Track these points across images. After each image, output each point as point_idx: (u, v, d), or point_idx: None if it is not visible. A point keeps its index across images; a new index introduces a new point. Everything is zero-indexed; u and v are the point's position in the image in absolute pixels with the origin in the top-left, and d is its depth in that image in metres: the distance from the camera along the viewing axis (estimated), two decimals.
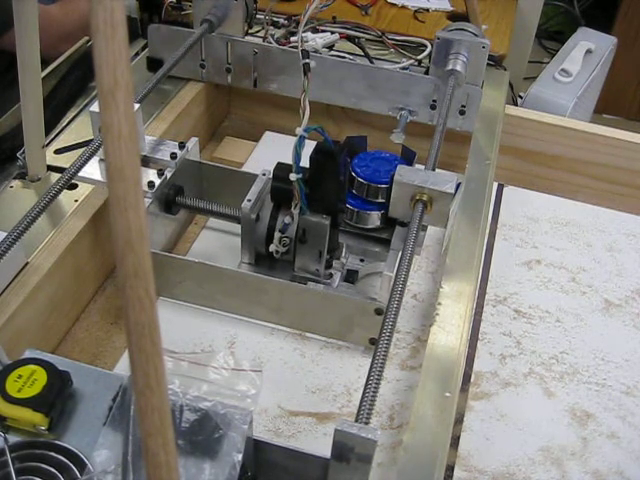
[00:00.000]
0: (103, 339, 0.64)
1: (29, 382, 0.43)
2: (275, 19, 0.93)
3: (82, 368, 0.46)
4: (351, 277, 0.69)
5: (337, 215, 0.64)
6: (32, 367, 0.43)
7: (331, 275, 0.68)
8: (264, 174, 0.67)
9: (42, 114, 0.66)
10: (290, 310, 0.65)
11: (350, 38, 0.95)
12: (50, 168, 0.71)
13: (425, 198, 0.61)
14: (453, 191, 0.61)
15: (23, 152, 0.69)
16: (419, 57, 0.93)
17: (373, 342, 0.63)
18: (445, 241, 0.68)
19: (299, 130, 0.57)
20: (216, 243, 0.75)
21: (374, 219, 0.67)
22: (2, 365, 0.45)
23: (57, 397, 0.43)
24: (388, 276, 0.60)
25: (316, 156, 0.60)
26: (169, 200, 0.69)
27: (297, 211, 0.62)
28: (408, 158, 0.68)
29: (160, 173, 0.67)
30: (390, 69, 0.86)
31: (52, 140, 0.76)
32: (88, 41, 0.91)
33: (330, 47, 0.92)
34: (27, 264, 0.59)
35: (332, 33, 0.93)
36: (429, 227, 0.65)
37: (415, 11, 1.09)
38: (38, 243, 0.61)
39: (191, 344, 0.63)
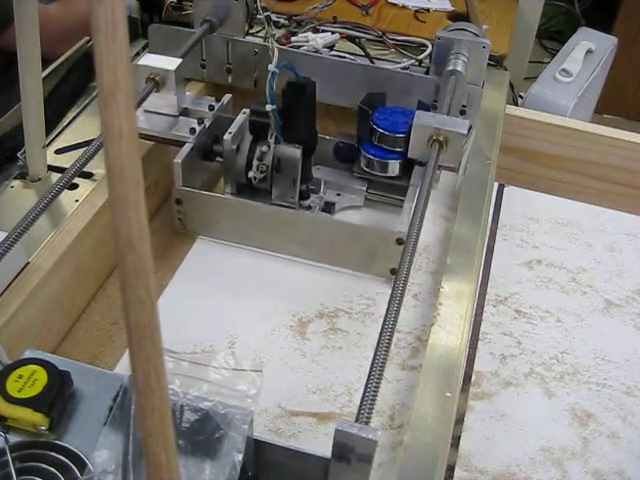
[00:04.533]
0: (103, 339, 0.64)
1: (29, 382, 0.43)
2: (275, 19, 0.93)
3: (82, 368, 0.46)
4: (329, 208, 0.76)
5: (308, 145, 0.70)
6: (32, 367, 0.43)
7: (310, 207, 0.74)
8: (244, 112, 0.72)
9: (43, 114, 0.66)
10: (319, 243, 0.70)
11: (351, 38, 0.95)
12: (51, 168, 0.71)
13: (441, 139, 0.66)
14: (466, 132, 0.66)
15: (24, 152, 0.69)
16: (420, 57, 0.93)
17: (394, 272, 0.68)
18: (458, 180, 0.72)
19: (271, 67, 0.65)
20: None
21: (392, 167, 0.73)
22: (2, 365, 0.45)
23: (57, 397, 0.43)
24: (409, 207, 0.65)
25: (288, 89, 0.67)
26: (207, 149, 0.73)
27: (273, 140, 0.68)
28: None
29: (200, 121, 0.72)
30: (391, 69, 0.86)
31: (53, 140, 0.76)
32: (89, 41, 0.91)
33: (331, 47, 0.92)
34: (28, 264, 0.59)
35: (332, 33, 0.93)
36: (427, 226, 0.66)
37: (415, 11, 1.09)
38: (39, 243, 0.61)
39: (191, 344, 0.63)
